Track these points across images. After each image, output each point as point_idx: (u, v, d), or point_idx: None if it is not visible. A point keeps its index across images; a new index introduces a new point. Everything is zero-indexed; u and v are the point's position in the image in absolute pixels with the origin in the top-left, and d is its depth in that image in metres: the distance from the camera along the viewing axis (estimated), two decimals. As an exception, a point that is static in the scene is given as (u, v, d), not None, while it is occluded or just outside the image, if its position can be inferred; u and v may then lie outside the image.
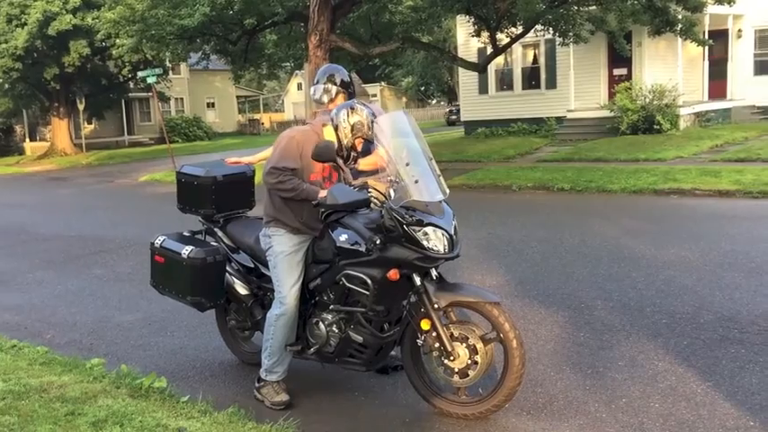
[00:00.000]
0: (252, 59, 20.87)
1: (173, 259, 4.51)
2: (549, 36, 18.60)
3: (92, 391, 4.03)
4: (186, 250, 4.42)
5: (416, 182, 3.64)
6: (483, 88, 24.15)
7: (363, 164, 4.21)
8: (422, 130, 3.94)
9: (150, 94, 32.74)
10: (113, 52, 21.04)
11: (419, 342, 3.80)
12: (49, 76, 29.82)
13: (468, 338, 3.73)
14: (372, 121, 3.91)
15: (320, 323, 4.05)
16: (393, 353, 4.18)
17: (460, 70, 24.55)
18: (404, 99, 55.95)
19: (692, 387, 4.06)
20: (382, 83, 53.22)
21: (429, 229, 3.62)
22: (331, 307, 4.00)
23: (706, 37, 18.60)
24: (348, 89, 4.62)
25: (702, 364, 4.36)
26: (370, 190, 3.86)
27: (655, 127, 18.65)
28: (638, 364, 4.45)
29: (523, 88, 23.61)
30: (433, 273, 3.78)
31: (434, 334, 3.73)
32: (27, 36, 26.80)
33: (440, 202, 3.75)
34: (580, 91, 21.45)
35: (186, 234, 4.77)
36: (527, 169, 14.96)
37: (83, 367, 4.55)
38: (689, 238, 7.85)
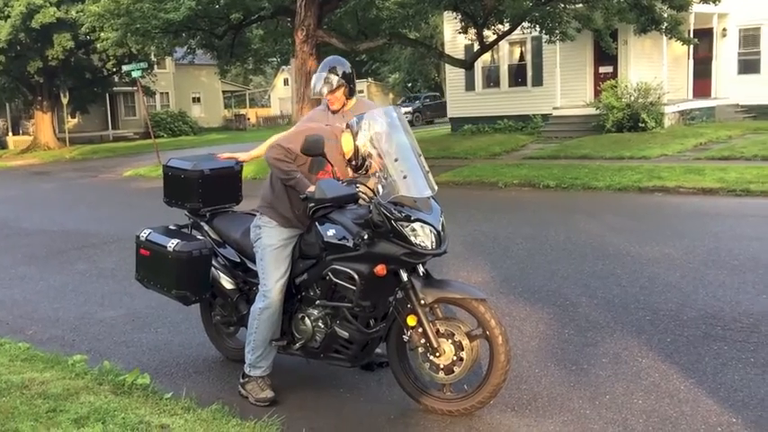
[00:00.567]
0: (238, 54, 20.79)
1: (158, 253, 4.48)
2: (536, 33, 18.67)
3: (74, 388, 4.00)
4: (172, 244, 4.39)
5: (405, 177, 3.64)
6: (470, 85, 24.19)
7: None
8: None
9: (135, 88, 32.57)
10: (98, 46, 20.85)
11: (405, 338, 3.79)
12: (33, 70, 29.55)
13: (453, 335, 3.73)
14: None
15: (306, 318, 4.04)
16: (379, 349, 4.17)
17: (447, 67, 24.57)
18: (390, 95, 55.90)
19: (675, 384, 4.08)
20: (369, 79, 53.11)
21: (417, 225, 3.62)
22: (317, 302, 3.98)
23: (691, 36, 18.73)
24: (350, 83, 4.50)
25: (685, 361, 4.39)
26: (358, 185, 3.84)
27: (640, 125, 18.76)
28: (621, 360, 4.47)
29: (510, 85, 23.66)
30: (420, 269, 3.78)
31: (420, 330, 3.72)
32: (10, 29, 26.52)
33: (428, 198, 3.74)
34: (566, 88, 21.52)
35: (172, 228, 4.73)
36: (513, 166, 15.00)
37: (65, 364, 4.51)
38: (673, 236, 7.90)
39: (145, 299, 6.20)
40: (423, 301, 3.70)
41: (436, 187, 3.77)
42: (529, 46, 22.78)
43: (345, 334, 3.90)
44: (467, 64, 19.31)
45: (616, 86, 19.58)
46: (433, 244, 3.65)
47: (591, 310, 5.49)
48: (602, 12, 15.43)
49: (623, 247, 7.42)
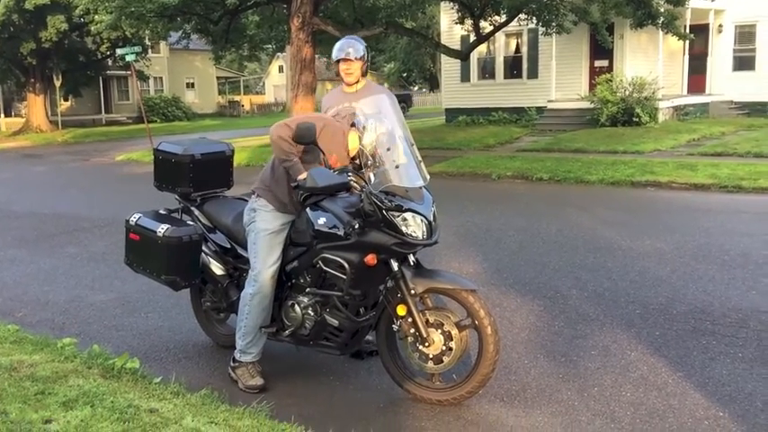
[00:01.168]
0: (233, 40, 20.64)
1: (148, 237, 4.45)
2: (533, 26, 18.62)
3: (63, 371, 3.99)
4: (162, 228, 4.37)
5: (397, 167, 3.63)
6: (465, 76, 24.14)
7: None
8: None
9: (129, 72, 32.32)
10: (92, 28, 20.61)
11: (394, 327, 3.80)
12: (26, 51, 29.27)
13: (443, 325, 3.74)
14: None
15: (296, 306, 4.03)
16: (369, 338, 4.18)
17: (443, 57, 24.51)
18: (386, 85, 55.82)
19: (664, 377, 4.10)
20: (364, 68, 52.96)
21: (408, 215, 3.61)
22: (307, 290, 3.98)
23: (687, 31, 18.73)
24: (367, 62, 4.53)
25: (674, 355, 4.41)
26: (349, 174, 3.83)
27: (634, 119, 18.79)
28: (610, 353, 4.49)
29: (505, 77, 23.63)
30: (411, 259, 3.78)
31: (410, 320, 3.73)
32: (3, 9, 26.27)
33: (420, 188, 3.73)
34: (561, 81, 21.52)
35: (162, 212, 4.70)
36: (507, 158, 15.00)
37: (54, 346, 4.49)
38: (664, 230, 7.93)
39: (135, 283, 6.18)
40: (413, 291, 3.70)
41: (428, 177, 3.77)
42: (525, 38, 22.74)
43: (335, 322, 3.91)
44: (462, 55, 19.25)
45: (611, 80, 19.58)
46: (425, 234, 3.65)
47: (581, 302, 5.51)
48: (598, 5, 15.40)
49: (614, 241, 7.44)
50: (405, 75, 55.05)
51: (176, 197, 4.78)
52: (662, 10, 16.23)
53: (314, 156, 3.99)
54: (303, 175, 3.76)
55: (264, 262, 4.00)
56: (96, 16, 18.33)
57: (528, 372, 4.26)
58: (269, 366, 4.25)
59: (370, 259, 3.66)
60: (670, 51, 21.31)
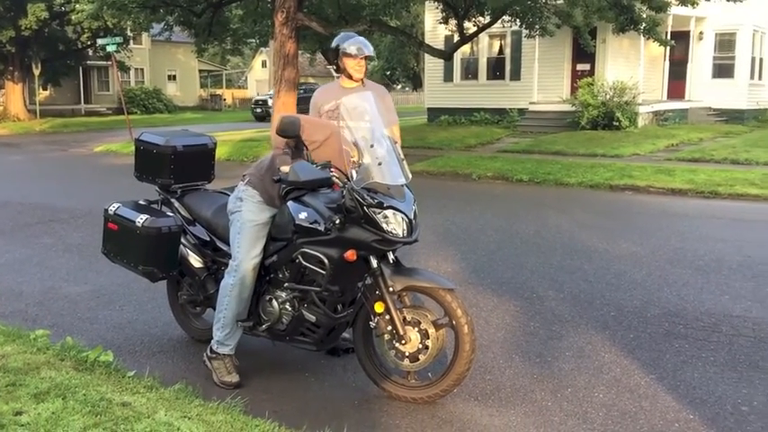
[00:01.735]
0: (216, 33, 20.49)
1: (127, 227, 4.41)
2: (516, 27, 18.69)
3: (35, 363, 3.94)
4: (141, 219, 4.33)
5: (380, 164, 3.63)
6: (448, 76, 24.20)
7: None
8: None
9: (109, 62, 31.95)
10: (73, 17, 20.43)
11: (372, 324, 3.80)
12: (5, 39, 28.91)
13: (420, 323, 3.74)
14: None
15: (273, 300, 4.02)
16: (345, 335, 4.17)
17: (427, 57, 24.53)
18: (368, 83, 55.76)
19: (636, 379, 4.15)
20: (348, 65, 52.86)
21: (389, 212, 3.62)
22: (285, 285, 3.97)
23: (668, 37, 18.92)
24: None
25: (647, 358, 4.46)
26: (332, 170, 3.83)
27: (614, 123, 18.95)
28: (585, 355, 4.53)
29: (488, 78, 23.73)
30: (390, 256, 3.78)
31: (387, 317, 3.73)
32: (-18, -4, 25.93)
33: (402, 186, 3.74)
34: (543, 84, 21.65)
35: (142, 203, 4.66)
36: (487, 159, 15.07)
37: (26, 338, 4.43)
38: (641, 234, 8.01)
39: (111, 275, 6.13)
40: (391, 289, 3.71)
41: (410, 176, 3.78)
42: (508, 40, 22.85)
43: (312, 318, 3.90)
44: (446, 55, 19.29)
45: (592, 84, 19.74)
46: (405, 232, 3.66)
47: (557, 303, 5.55)
48: (582, 9, 15.50)
49: (592, 244, 7.50)
50: (388, 73, 55.04)
51: (156, 188, 4.74)
52: (644, 16, 16.38)
53: (300, 153, 3.98)
54: (285, 169, 3.76)
55: (248, 253, 3.98)
56: (78, 5, 18.13)
57: (503, 372, 4.28)
58: (244, 362, 4.23)
59: (350, 255, 3.66)
60: (651, 57, 21.51)
